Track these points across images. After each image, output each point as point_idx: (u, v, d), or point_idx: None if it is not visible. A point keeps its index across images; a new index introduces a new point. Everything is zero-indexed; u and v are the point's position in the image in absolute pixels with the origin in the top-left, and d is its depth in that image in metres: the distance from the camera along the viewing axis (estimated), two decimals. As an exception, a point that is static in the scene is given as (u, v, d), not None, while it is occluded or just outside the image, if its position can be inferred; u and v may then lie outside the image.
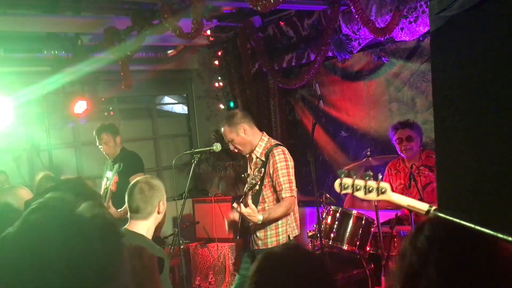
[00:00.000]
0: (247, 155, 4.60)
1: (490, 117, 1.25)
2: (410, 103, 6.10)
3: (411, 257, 1.35)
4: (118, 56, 6.17)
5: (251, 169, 4.58)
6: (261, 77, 7.70)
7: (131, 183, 3.37)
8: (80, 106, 6.96)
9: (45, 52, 6.62)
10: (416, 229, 1.42)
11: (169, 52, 7.96)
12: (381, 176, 2.38)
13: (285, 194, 4.30)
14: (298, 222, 4.59)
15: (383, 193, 2.34)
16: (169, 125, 8.81)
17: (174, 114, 9.09)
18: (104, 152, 6.03)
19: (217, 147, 4.73)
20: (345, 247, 5.16)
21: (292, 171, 4.35)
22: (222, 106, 8.21)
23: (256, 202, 4.35)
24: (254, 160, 4.53)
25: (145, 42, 6.11)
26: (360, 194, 2.35)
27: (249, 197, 4.22)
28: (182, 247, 4.88)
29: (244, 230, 4.51)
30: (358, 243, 5.15)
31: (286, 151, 4.41)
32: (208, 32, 7.36)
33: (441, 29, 1.39)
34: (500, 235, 1.16)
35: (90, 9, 6.23)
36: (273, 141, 4.51)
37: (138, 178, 3.42)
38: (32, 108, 6.83)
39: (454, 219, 1.36)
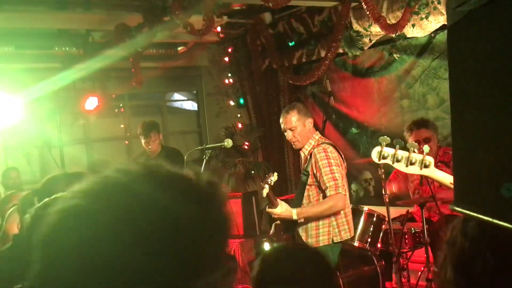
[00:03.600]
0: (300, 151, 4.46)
1: (508, 111, 1.24)
2: (422, 99, 6.07)
3: (463, 244, 1.36)
4: (128, 53, 6.18)
5: (301, 167, 4.51)
6: (271, 74, 7.69)
7: None
8: (91, 103, 6.98)
9: (56, 48, 6.66)
10: (463, 219, 1.43)
11: (179, 49, 7.97)
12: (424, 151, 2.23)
13: (329, 192, 4.12)
14: (351, 224, 4.39)
15: (426, 166, 2.21)
16: (179, 121, 8.83)
17: (184, 111, 9.11)
18: (148, 149, 6.01)
19: (228, 143, 4.73)
20: (356, 243, 5.14)
21: (336, 168, 4.17)
22: (232, 103, 8.22)
23: (299, 202, 4.29)
24: (302, 157, 4.45)
25: (155, 38, 6.13)
26: (400, 166, 2.23)
27: (268, 191, 4.13)
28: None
29: (290, 226, 4.39)
30: (369, 239, 5.13)
31: (330, 149, 4.26)
32: (218, 28, 7.35)
33: (458, 23, 1.37)
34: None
35: (101, 5, 6.24)
36: (322, 140, 4.39)
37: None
38: (43, 105, 6.87)
39: (472, 213, 1.36)
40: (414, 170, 2.24)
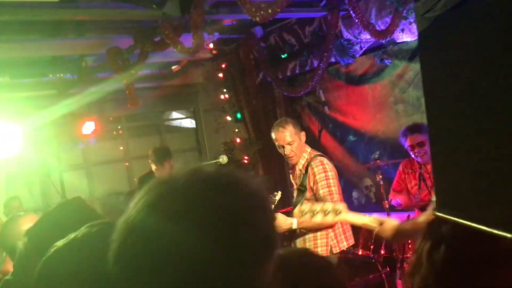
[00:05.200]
0: (292, 166, 4.47)
1: (480, 115, 1.25)
2: (416, 103, 6.07)
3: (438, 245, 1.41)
4: (122, 76, 6.22)
5: (294, 182, 4.50)
6: (266, 87, 7.72)
7: None
8: (88, 127, 7.00)
9: (51, 75, 6.71)
10: (438, 221, 1.46)
11: (173, 67, 8.02)
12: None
13: None
14: (349, 234, 4.39)
15: (338, 214, 2.50)
16: (178, 140, 8.85)
17: (182, 129, 9.13)
18: (156, 174, 5.82)
19: (223, 159, 4.74)
20: (359, 251, 5.13)
21: (333, 181, 4.18)
22: (229, 118, 8.23)
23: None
24: (297, 172, 4.43)
25: (149, 59, 6.17)
26: (318, 218, 2.51)
27: (272, 205, 4.17)
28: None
29: (288, 239, 4.38)
30: (372, 247, 5.12)
31: (326, 161, 4.26)
32: (211, 45, 7.39)
33: (427, 30, 1.39)
34: (496, 232, 1.16)
35: (92, 30, 6.29)
36: (314, 153, 4.39)
37: None
38: (41, 132, 6.89)
39: (453, 218, 1.37)
40: (330, 218, 2.55)
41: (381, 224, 2.58)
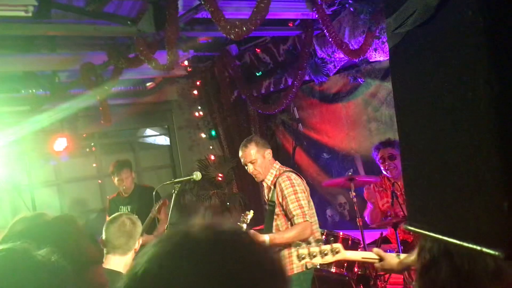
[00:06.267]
0: (263, 182, 4.49)
1: (447, 129, 1.26)
2: (389, 122, 6.15)
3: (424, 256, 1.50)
4: (96, 92, 6.17)
5: (266, 197, 4.52)
6: (241, 104, 7.74)
7: (114, 218, 3.33)
8: (61, 144, 6.90)
9: (23, 91, 6.61)
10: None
11: (148, 84, 7.99)
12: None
13: (297, 220, 4.14)
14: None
15: (337, 253, 2.53)
16: (151, 157, 8.78)
17: (156, 146, 9.07)
18: (121, 188, 5.94)
19: (197, 175, 4.72)
20: (333, 269, 5.12)
21: (302, 195, 4.19)
22: (203, 135, 8.22)
23: (269, 232, 4.26)
24: (265, 188, 4.46)
25: (123, 75, 6.14)
26: (317, 260, 2.53)
27: (244, 224, 4.18)
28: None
29: None
30: (345, 264, 5.12)
31: (293, 176, 4.28)
32: (186, 62, 7.40)
33: (398, 46, 1.41)
34: (465, 244, 1.17)
35: (65, 46, 6.24)
36: (283, 169, 4.40)
37: (118, 214, 3.39)
38: (12, 148, 6.78)
39: (422, 231, 1.38)
40: (329, 259, 2.58)
41: (381, 259, 2.56)
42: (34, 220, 2.03)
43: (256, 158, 4.34)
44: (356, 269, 5.15)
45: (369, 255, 2.56)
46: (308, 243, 2.43)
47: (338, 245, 2.53)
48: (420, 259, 1.51)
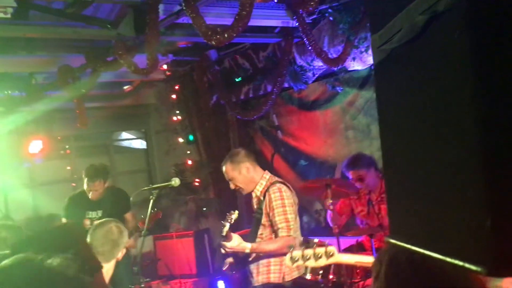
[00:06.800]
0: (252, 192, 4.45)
1: (431, 145, 1.29)
2: (366, 130, 6.21)
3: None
4: (73, 94, 6.10)
5: (254, 206, 4.48)
6: (219, 110, 7.73)
7: (102, 223, 3.30)
8: (36, 146, 6.81)
9: (-2, 92, 6.51)
10: (391, 247, 1.53)
11: (125, 87, 7.94)
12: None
13: (281, 233, 4.12)
14: None
15: (331, 256, 2.54)
16: (127, 161, 8.72)
17: (132, 150, 9.01)
18: (90, 195, 5.69)
19: (175, 182, 4.70)
20: (308, 276, 5.13)
21: (290, 209, 4.16)
22: (181, 140, 8.19)
23: (253, 240, 4.25)
24: (254, 197, 4.42)
25: (101, 78, 6.09)
26: (311, 262, 2.52)
27: (227, 229, 4.12)
28: (143, 286, 4.80)
29: (241, 263, 4.35)
30: (321, 271, 5.13)
31: (284, 189, 4.24)
32: (165, 66, 7.37)
33: (383, 62, 1.44)
34: (447, 259, 1.20)
35: (43, 48, 6.16)
36: (274, 179, 4.37)
37: (107, 220, 3.36)
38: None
39: (404, 244, 1.40)
40: (323, 261, 2.57)
41: None
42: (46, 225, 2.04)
43: (233, 175, 4.33)
44: (331, 276, 5.18)
45: (364, 259, 2.57)
46: (302, 245, 2.41)
47: (332, 248, 2.51)
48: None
